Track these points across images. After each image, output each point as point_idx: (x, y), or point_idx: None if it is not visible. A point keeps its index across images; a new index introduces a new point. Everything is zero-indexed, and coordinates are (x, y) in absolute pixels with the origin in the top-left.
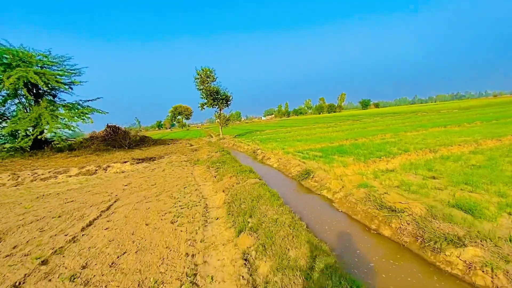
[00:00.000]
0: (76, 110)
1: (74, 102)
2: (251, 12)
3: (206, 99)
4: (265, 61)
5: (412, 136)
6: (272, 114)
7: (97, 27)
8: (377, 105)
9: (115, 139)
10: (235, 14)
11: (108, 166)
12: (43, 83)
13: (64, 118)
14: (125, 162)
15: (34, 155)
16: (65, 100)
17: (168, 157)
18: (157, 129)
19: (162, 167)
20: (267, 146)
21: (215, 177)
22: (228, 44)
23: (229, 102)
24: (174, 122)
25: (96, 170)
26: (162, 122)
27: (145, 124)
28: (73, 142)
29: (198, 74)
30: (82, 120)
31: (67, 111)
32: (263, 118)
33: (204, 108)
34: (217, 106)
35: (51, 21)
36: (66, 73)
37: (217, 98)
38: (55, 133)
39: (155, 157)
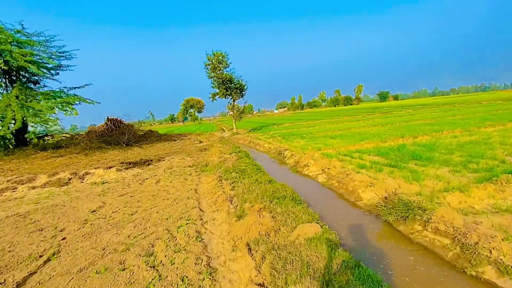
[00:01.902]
0: (58, 99)
1: (57, 89)
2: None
3: (218, 88)
4: (276, 52)
5: (498, 133)
6: (285, 107)
7: (101, 12)
8: (396, 97)
9: (112, 135)
10: (245, 3)
11: (87, 174)
12: (2, 62)
13: (40, 110)
14: (110, 167)
15: (11, 154)
16: (44, 87)
17: (169, 159)
18: (170, 122)
19: (158, 176)
20: (294, 145)
21: (230, 201)
22: (238, 34)
23: (243, 92)
24: (187, 116)
25: (70, 179)
26: (175, 116)
27: (159, 118)
28: (61, 137)
29: (209, 60)
30: (64, 112)
31: (45, 100)
32: (275, 111)
33: (215, 99)
34: (230, 97)
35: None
36: (53, 56)
37: (230, 87)
38: (46, 126)
39: (152, 160)
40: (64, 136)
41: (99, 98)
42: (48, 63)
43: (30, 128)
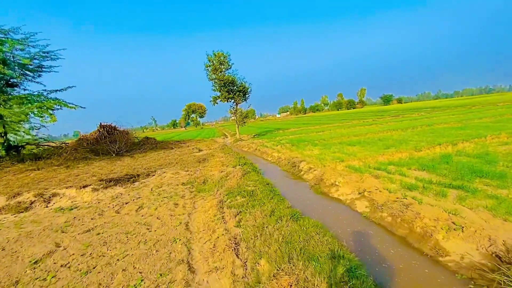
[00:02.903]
0: (34, 104)
1: (35, 93)
2: (261, 5)
3: (220, 91)
4: (276, 57)
5: None
6: (287, 111)
7: (99, 19)
8: (400, 100)
9: (101, 144)
10: (245, 7)
11: (55, 195)
12: None
13: (9, 117)
14: (85, 186)
15: None
16: (25, 91)
17: (160, 173)
18: (172, 128)
19: (142, 198)
20: (307, 154)
21: (236, 251)
22: (238, 39)
23: (247, 95)
24: (189, 121)
25: (33, 202)
26: (177, 121)
27: (162, 123)
28: (47, 146)
29: (209, 61)
30: (40, 118)
31: (17, 105)
32: (277, 115)
33: (217, 103)
34: (232, 100)
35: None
36: (37, 56)
37: (232, 90)
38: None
39: (139, 174)
40: (48, 145)
41: (103, 104)
42: (26, 64)
43: (11, 138)
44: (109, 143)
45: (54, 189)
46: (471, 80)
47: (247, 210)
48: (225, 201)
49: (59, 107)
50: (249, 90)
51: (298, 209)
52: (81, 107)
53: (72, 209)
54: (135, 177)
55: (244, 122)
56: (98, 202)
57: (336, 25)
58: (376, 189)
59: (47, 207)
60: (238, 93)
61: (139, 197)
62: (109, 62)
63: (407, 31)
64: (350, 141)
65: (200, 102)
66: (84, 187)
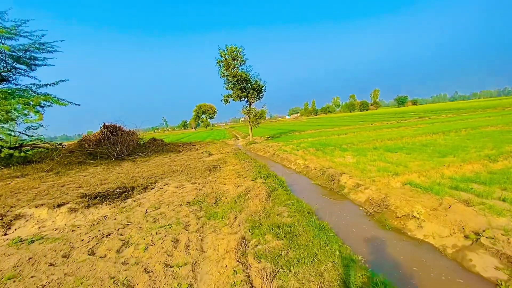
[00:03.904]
0: (16, 99)
1: (22, 87)
2: (269, 6)
3: (232, 89)
4: (286, 58)
5: None
6: (298, 112)
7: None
8: (415, 102)
9: (102, 145)
10: (256, 9)
11: (19, 217)
12: None
13: None
14: (61, 205)
15: None
16: (16, 86)
17: (162, 184)
18: (182, 129)
19: (131, 226)
20: (339, 161)
21: None
22: (249, 40)
23: (261, 94)
24: (199, 122)
25: None
26: (187, 122)
27: (173, 124)
28: (43, 148)
29: (221, 56)
30: (24, 115)
31: None
32: (287, 117)
33: (228, 102)
34: (245, 99)
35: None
36: (31, 48)
37: (246, 87)
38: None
39: (135, 187)
40: (43, 147)
41: (118, 104)
42: (7, 51)
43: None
44: (109, 145)
45: (23, 207)
46: (487, 82)
47: (289, 269)
48: (249, 241)
49: (49, 103)
50: (263, 88)
51: (380, 275)
52: (75, 103)
53: (33, 241)
54: (128, 191)
55: (258, 123)
56: (72, 231)
57: (347, 26)
58: (504, 234)
59: (5, 234)
60: (252, 91)
61: (127, 224)
62: (122, 63)
63: (420, 32)
64: (386, 146)
65: (210, 103)
66: (60, 205)
